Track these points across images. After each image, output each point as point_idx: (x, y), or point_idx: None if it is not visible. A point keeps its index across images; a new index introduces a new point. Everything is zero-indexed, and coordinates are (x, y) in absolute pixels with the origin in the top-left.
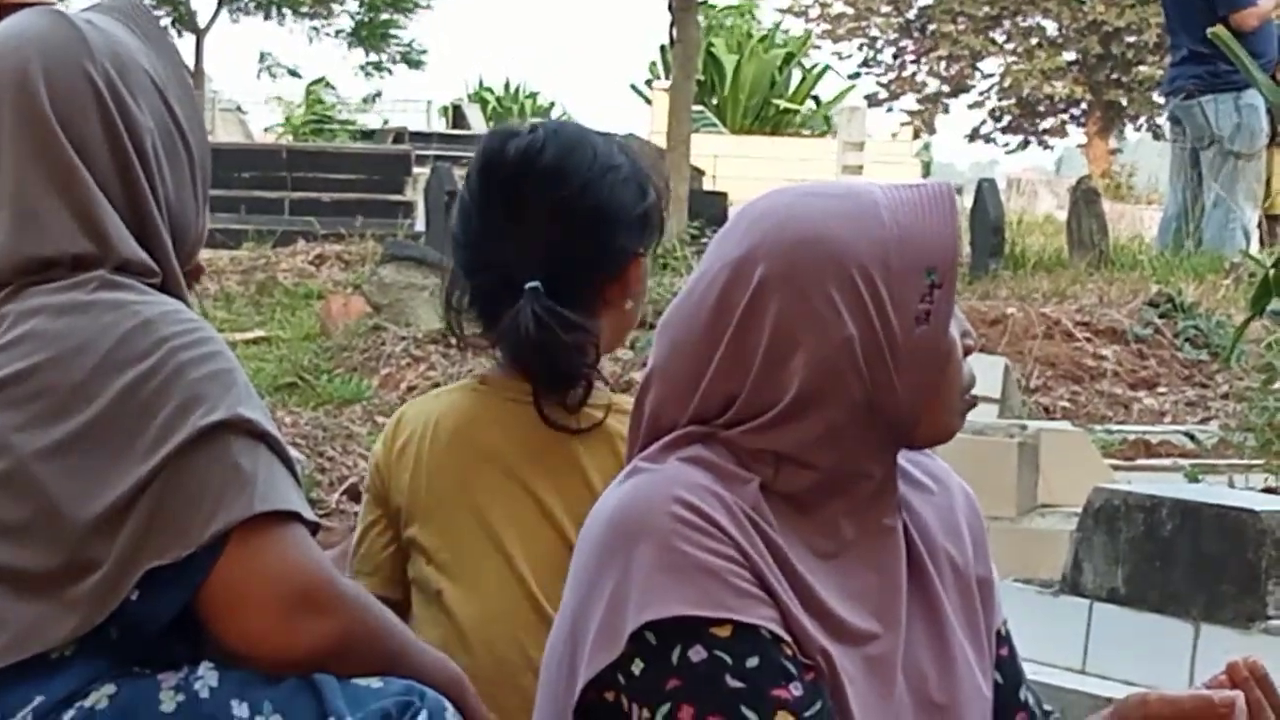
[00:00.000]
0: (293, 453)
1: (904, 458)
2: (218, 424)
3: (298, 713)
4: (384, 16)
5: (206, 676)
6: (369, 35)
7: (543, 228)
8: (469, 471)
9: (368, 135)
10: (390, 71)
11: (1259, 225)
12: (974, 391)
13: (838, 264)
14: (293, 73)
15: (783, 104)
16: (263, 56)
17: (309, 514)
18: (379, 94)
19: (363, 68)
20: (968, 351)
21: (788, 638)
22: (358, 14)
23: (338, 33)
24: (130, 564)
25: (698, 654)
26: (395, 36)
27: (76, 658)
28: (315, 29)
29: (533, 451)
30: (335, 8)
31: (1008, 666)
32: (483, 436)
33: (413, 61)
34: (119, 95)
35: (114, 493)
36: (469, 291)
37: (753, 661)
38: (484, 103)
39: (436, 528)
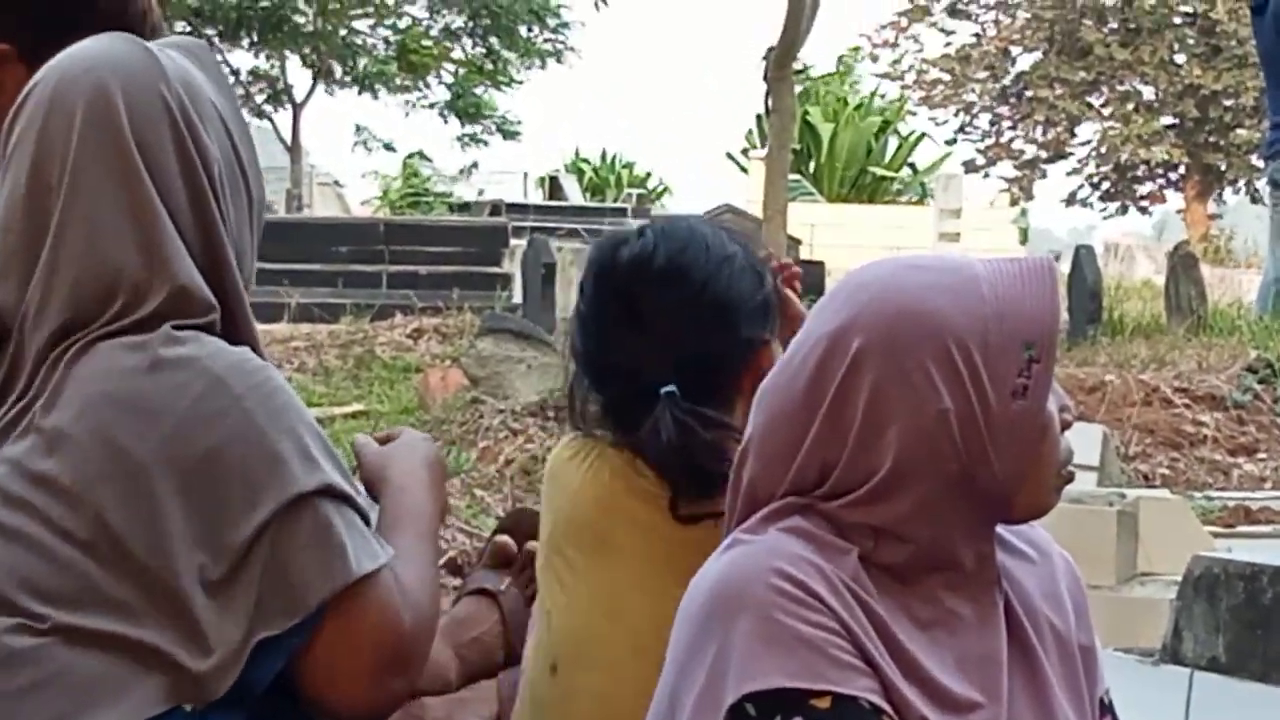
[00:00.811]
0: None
1: (1004, 528)
2: (303, 494)
3: None
4: (478, 91)
5: None
6: (464, 108)
7: (668, 331)
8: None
9: (464, 207)
10: (486, 143)
11: None
12: (1073, 460)
13: (935, 337)
14: (388, 146)
15: (879, 171)
16: (358, 130)
17: (387, 552)
18: (475, 165)
19: (459, 139)
20: (1065, 426)
21: (888, 708)
22: (452, 86)
23: (432, 105)
24: (246, 635)
25: None
26: (490, 109)
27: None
28: (410, 102)
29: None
30: (431, 81)
31: None
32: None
33: (508, 132)
34: (191, 122)
35: (215, 564)
36: (601, 403)
37: None
38: (580, 173)
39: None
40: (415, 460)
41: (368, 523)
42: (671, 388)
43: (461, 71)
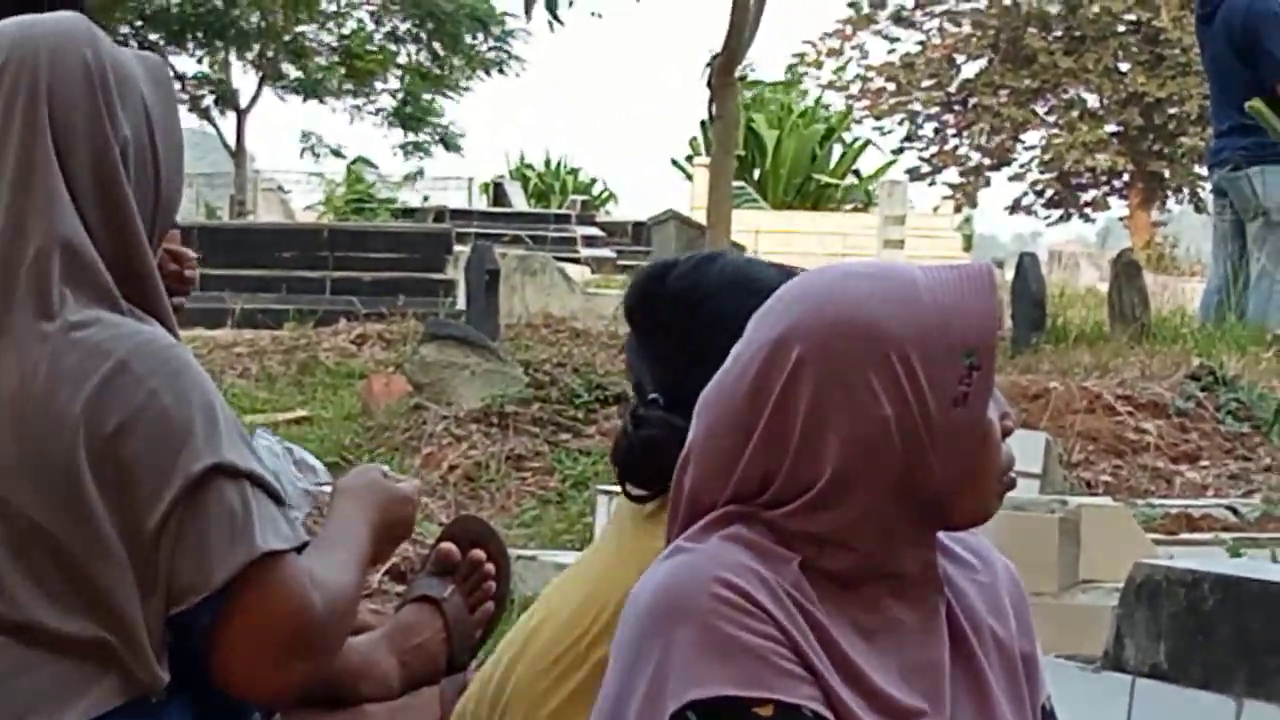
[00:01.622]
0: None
1: (947, 536)
2: (208, 470)
3: None
4: (425, 98)
5: None
6: (409, 116)
7: (666, 355)
8: None
9: (409, 213)
10: (429, 153)
11: None
12: (1016, 467)
13: (875, 346)
14: (336, 153)
15: (824, 179)
16: (305, 136)
17: (300, 539)
18: (420, 172)
19: (402, 147)
20: (1006, 433)
21: (830, 716)
22: (399, 93)
23: (378, 112)
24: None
25: None
26: (436, 117)
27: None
28: (356, 108)
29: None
30: (377, 86)
31: None
32: None
33: (451, 144)
34: (109, 98)
35: (136, 551)
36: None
37: None
38: (525, 179)
39: None
40: (359, 479)
41: (278, 499)
42: (655, 395)
43: (407, 78)
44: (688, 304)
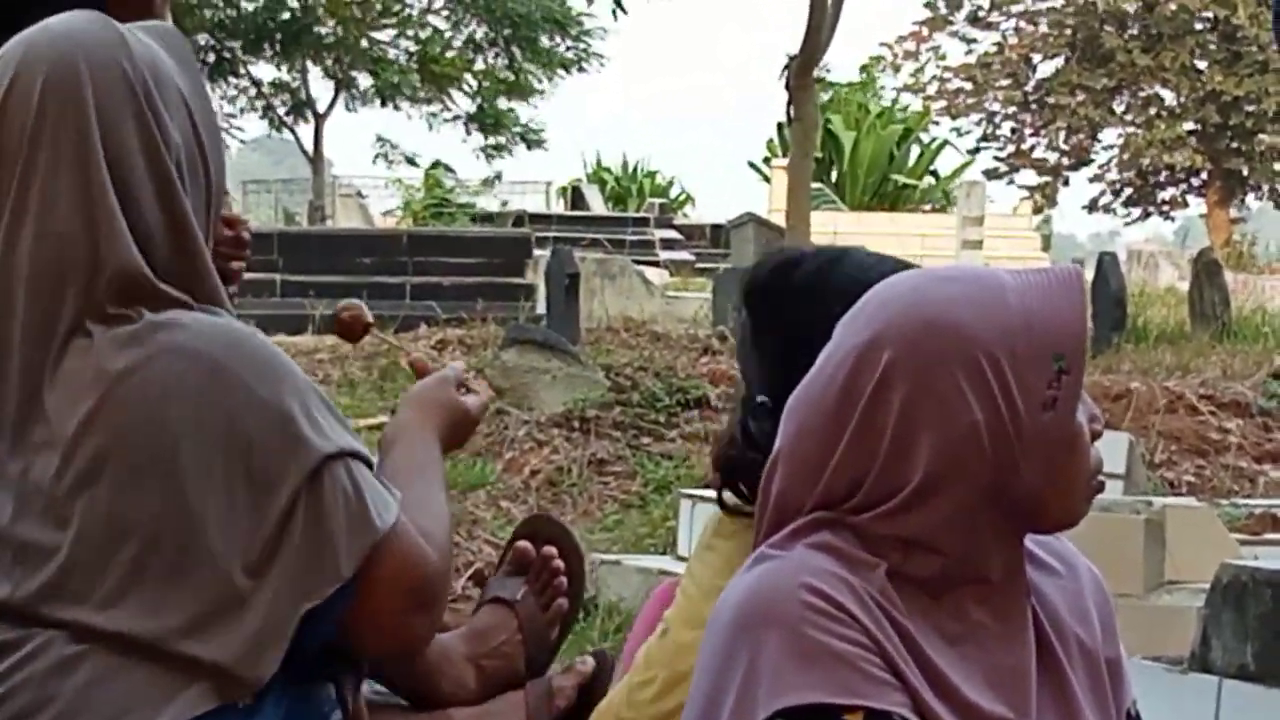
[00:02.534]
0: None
1: (1031, 540)
2: (320, 463)
3: None
4: (501, 103)
5: None
6: (487, 120)
7: (788, 346)
8: None
9: (487, 218)
10: (510, 153)
11: None
12: (1104, 480)
13: (964, 350)
14: (410, 160)
15: (901, 179)
16: (380, 141)
17: (395, 497)
18: (499, 176)
19: (483, 149)
20: (1095, 436)
21: None
22: (476, 98)
23: (455, 117)
24: (290, 612)
25: None
26: (513, 125)
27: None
28: (433, 114)
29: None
30: (454, 93)
31: None
32: None
33: (532, 141)
34: (155, 105)
35: (251, 546)
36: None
37: None
38: (602, 183)
39: None
40: (431, 394)
41: (372, 468)
42: (764, 399)
43: (484, 83)
44: (811, 303)
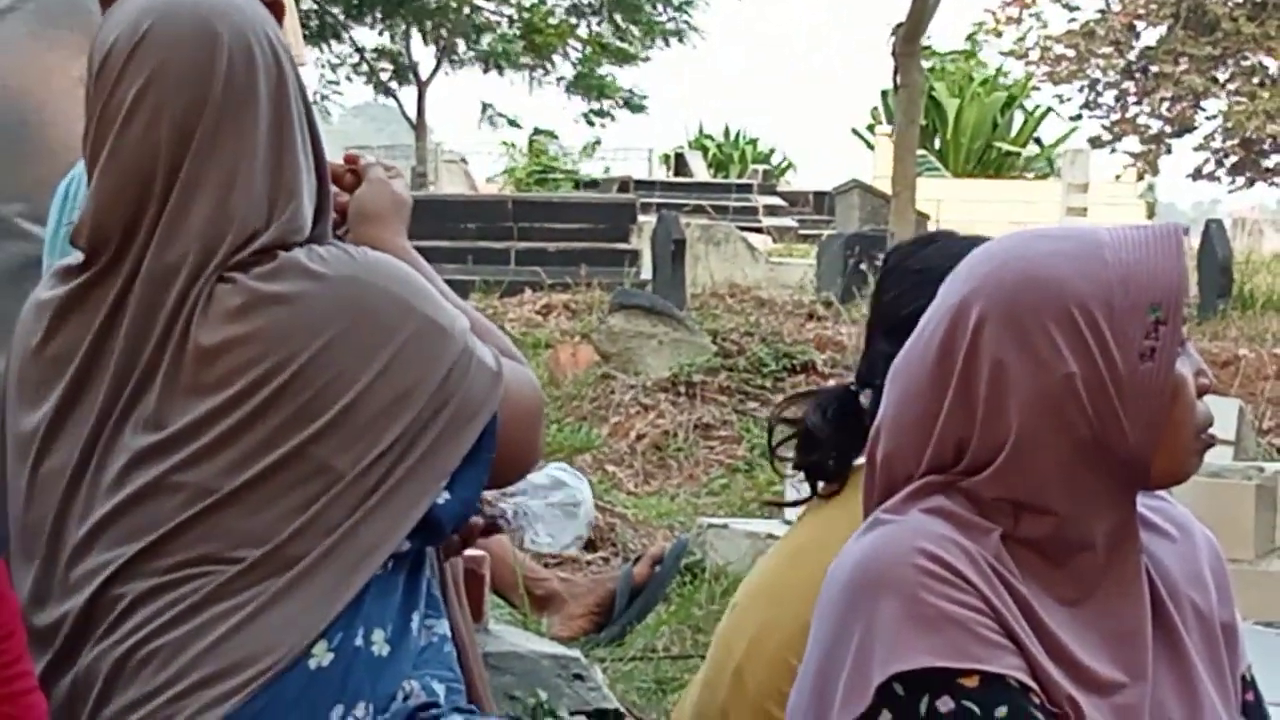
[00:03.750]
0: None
1: (1145, 505)
2: (464, 350)
3: None
4: (602, 69)
5: None
6: (588, 85)
7: (896, 328)
8: None
9: (590, 184)
10: (613, 118)
11: None
12: (1214, 435)
13: (1057, 302)
14: (513, 123)
15: (1005, 147)
16: (484, 107)
17: (474, 341)
18: (598, 142)
19: (585, 115)
20: (1203, 390)
21: (1035, 686)
22: (577, 64)
23: (559, 80)
24: (444, 472)
25: (945, 705)
26: (614, 90)
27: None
28: (535, 79)
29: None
30: (556, 59)
31: (1253, 712)
32: None
33: (635, 106)
34: (293, 66)
35: (416, 421)
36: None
37: (1001, 711)
38: (704, 149)
39: None
40: (372, 209)
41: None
42: (866, 391)
43: (586, 49)
44: (923, 283)
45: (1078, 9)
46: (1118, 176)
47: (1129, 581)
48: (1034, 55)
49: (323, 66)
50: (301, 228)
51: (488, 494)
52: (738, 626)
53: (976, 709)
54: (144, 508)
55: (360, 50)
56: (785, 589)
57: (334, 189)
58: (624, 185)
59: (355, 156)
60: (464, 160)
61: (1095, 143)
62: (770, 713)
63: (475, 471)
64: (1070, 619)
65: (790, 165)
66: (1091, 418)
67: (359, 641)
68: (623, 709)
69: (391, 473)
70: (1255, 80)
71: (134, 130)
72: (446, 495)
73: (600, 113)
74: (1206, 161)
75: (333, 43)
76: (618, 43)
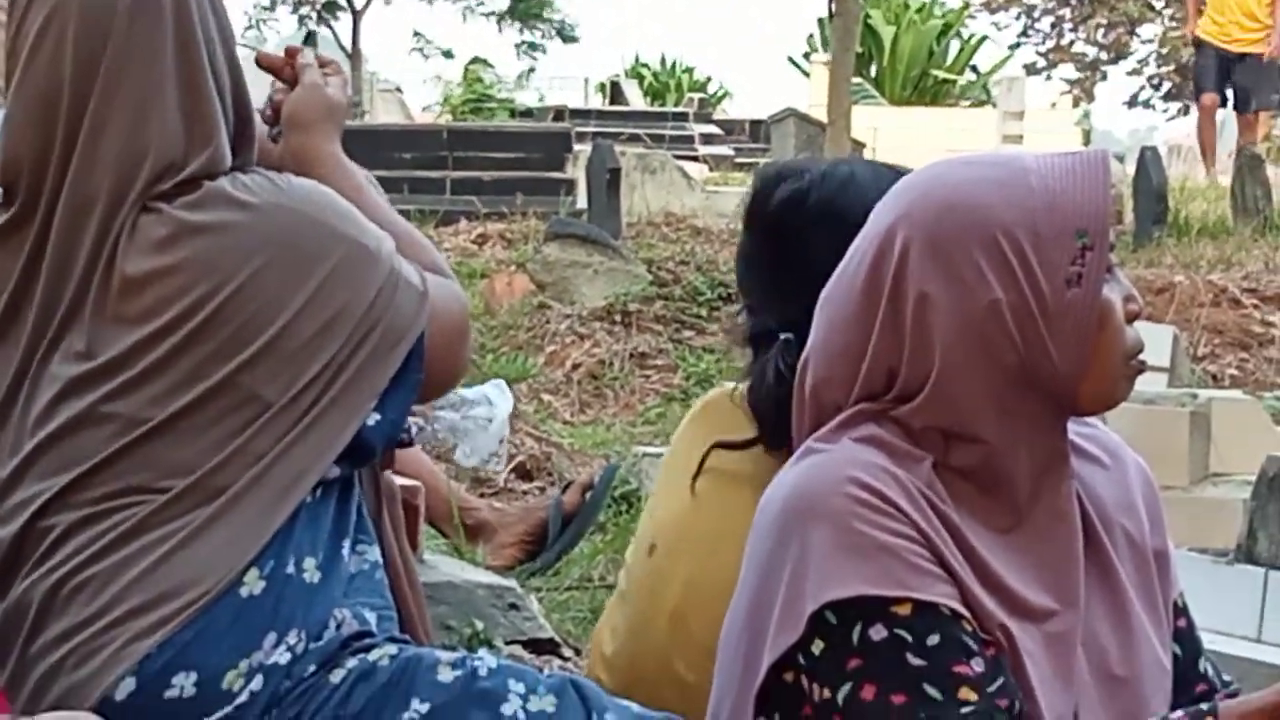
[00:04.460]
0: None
1: (1076, 433)
2: (390, 271)
3: (568, 708)
4: None
5: (486, 659)
6: (524, 13)
7: (812, 274)
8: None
9: (526, 113)
10: (544, 50)
11: None
12: (1145, 360)
13: (981, 228)
14: (447, 54)
15: (941, 74)
16: (416, 36)
17: (398, 258)
18: (533, 70)
19: (518, 46)
20: (1132, 316)
21: (967, 614)
22: None
23: (490, 14)
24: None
25: (878, 633)
26: (551, 12)
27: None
28: (469, 8)
29: None
30: None
31: (1186, 638)
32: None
33: (567, 37)
34: None
35: (346, 347)
36: (749, 327)
37: (934, 639)
38: (640, 78)
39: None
40: (304, 116)
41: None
42: (789, 336)
43: None
44: (831, 232)
45: None
46: (1054, 104)
47: (1060, 508)
48: None
49: None
50: (223, 157)
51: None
52: (663, 571)
53: (909, 636)
54: (74, 439)
55: None
56: (701, 530)
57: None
58: (559, 114)
59: (295, 49)
60: (399, 90)
61: (1031, 70)
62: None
63: (404, 392)
64: (1002, 546)
65: (727, 94)
66: (1018, 344)
67: (290, 569)
68: (558, 638)
69: (320, 399)
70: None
71: (39, 64)
72: (377, 417)
73: (533, 45)
74: (1142, 89)
75: None
76: None
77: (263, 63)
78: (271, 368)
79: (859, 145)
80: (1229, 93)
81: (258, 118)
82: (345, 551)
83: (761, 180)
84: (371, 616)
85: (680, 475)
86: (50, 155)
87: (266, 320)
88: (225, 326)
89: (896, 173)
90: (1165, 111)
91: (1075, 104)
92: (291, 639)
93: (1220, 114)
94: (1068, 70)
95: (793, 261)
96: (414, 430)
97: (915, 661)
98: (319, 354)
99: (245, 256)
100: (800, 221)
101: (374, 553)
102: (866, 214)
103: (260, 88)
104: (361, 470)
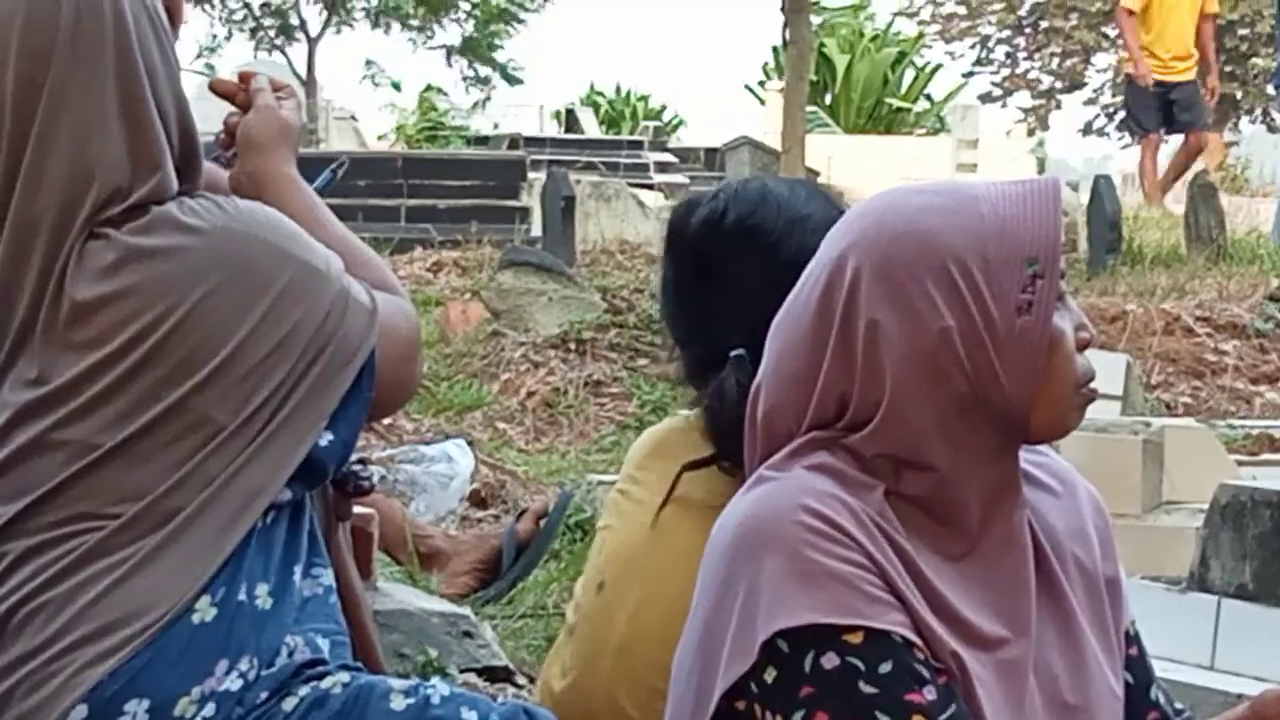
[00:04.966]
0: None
1: (1028, 461)
2: (340, 291)
3: None
4: (491, 28)
5: (439, 687)
6: (474, 47)
7: (739, 294)
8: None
9: (481, 141)
10: (494, 86)
11: None
12: (1096, 388)
13: (932, 256)
14: (395, 85)
15: (896, 103)
16: (368, 64)
17: (345, 277)
18: (488, 98)
19: (464, 78)
20: (1083, 345)
21: (919, 642)
22: (466, 27)
23: (441, 47)
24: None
25: (830, 661)
26: (499, 48)
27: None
28: (414, 40)
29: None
30: (444, 21)
31: (1137, 666)
32: None
33: (512, 79)
34: (152, 18)
35: (296, 368)
36: (683, 362)
37: (885, 667)
38: (596, 106)
39: None
40: (257, 139)
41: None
42: (740, 351)
43: (477, 7)
44: (754, 248)
45: None
46: (1008, 132)
47: (1012, 536)
48: (925, 13)
49: (212, 22)
50: (169, 184)
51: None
52: (610, 606)
53: (861, 665)
54: (26, 466)
55: (247, 6)
56: (655, 562)
57: (226, 118)
58: (514, 142)
59: (249, 74)
60: (354, 118)
61: (986, 99)
62: (662, 690)
63: (355, 410)
64: (954, 574)
65: (681, 122)
66: (969, 372)
67: (242, 596)
68: (512, 666)
69: (272, 420)
70: None
71: None
72: (329, 436)
73: (480, 79)
74: (1097, 117)
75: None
76: (505, 3)
77: (217, 88)
78: (223, 390)
79: (813, 173)
80: (1167, 121)
81: (212, 140)
82: (297, 577)
83: (676, 211)
84: (325, 643)
85: (635, 509)
86: None
87: (217, 343)
88: (176, 350)
89: (810, 186)
90: (1120, 140)
91: (1030, 132)
92: (244, 666)
93: (1175, 142)
94: (1023, 99)
95: (718, 284)
96: (375, 478)
97: (867, 690)
98: (271, 375)
99: (195, 280)
100: (721, 243)
101: (328, 577)
102: (785, 227)
103: (214, 114)
104: (313, 494)
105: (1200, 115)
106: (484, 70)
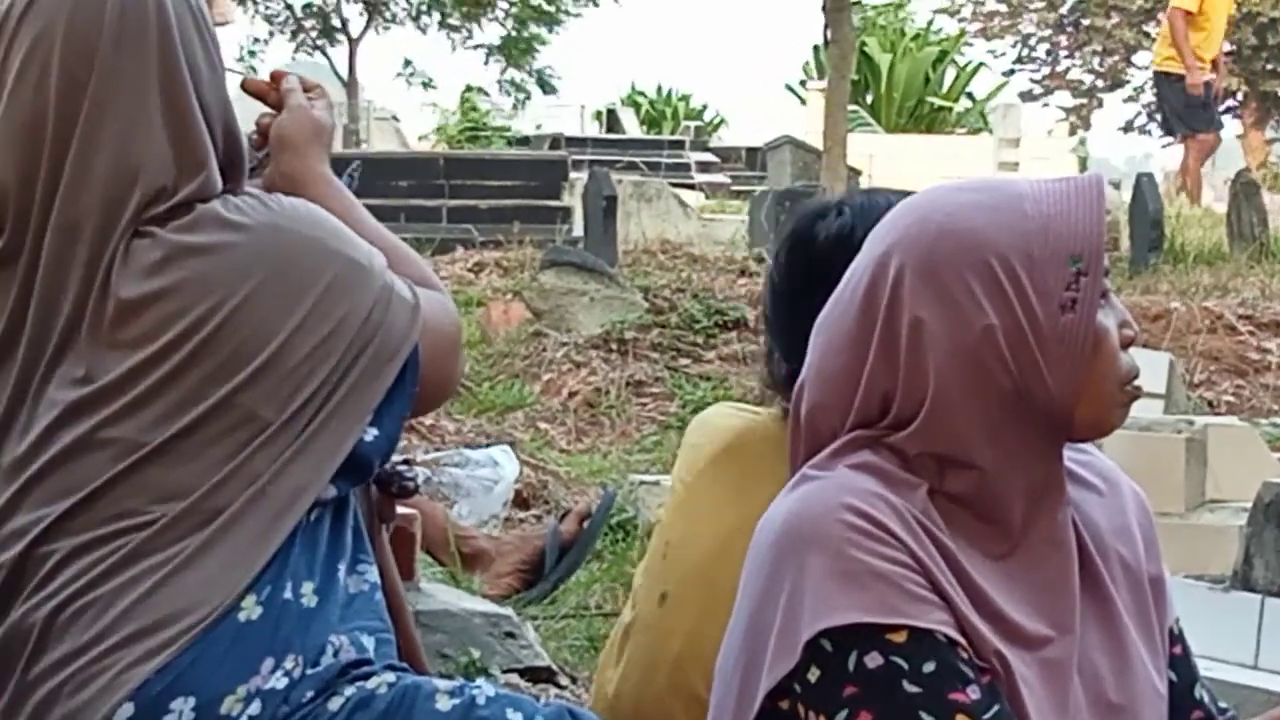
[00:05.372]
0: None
1: (1072, 459)
2: (383, 286)
3: None
4: (530, 31)
5: (484, 687)
6: (513, 49)
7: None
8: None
9: (522, 141)
10: (528, 94)
11: None
12: (1140, 386)
13: (975, 253)
14: (426, 84)
15: (937, 102)
16: (406, 64)
17: (389, 273)
18: (528, 97)
19: (499, 83)
20: (1127, 342)
21: (963, 641)
22: (505, 28)
23: (478, 47)
24: (369, 405)
25: (874, 660)
26: (538, 51)
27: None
28: (453, 40)
29: None
30: (483, 21)
31: (1181, 665)
32: None
33: (547, 87)
34: (196, 19)
35: (340, 363)
36: (787, 372)
37: (929, 666)
38: (637, 106)
39: None
40: (291, 139)
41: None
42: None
43: (515, 8)
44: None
45: None
46: (1050, 131)
47: (1056, 535)
48: (966, 11)
49: (253, 20)
50: (214, 184)
51: (401, 458)
52: (672, 619)
53: (904, 664)
54: (73, 465)
55: (290, 8)
56: (721, 578)
57: (259, 118)
58: (556, 142)
59: (281, 74)
60: (395, 118)
61: (1027, 97)
62: None
63: (399, 406)
64: (997, 573)
65: (723, 121)
66: (1012, 369)
67: (288, 594)
68: (555, 667)
69: (317, 415)
70: None
71: (25, 89)
72: (374, 432)
73: (515, 84)
74: (1138, 115)
75: (262, 1)
76: (546, 5)
77: (249, 88)
78: (269, 387)
79: (855, 172)
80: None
81: (245, 142)
82: (341, 574)
83: (799, 220)
84: (369, 641)
85: (702, 513)
86: (36, 181)
87: (263, 339)
88: (222, 347)
89: None
90: (1161, 138)
91: (1072, 131)
92: (289, 664)
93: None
94: (1064, 97)
95: (809, 291)
96: (420, 479)
97: (911, 689)
98: (316, 371)
99: (240, 277)
100: (850, 257)
101: (373, 573)
102: None
103: (247, 115)
104: (356, 494)
105: (1218, 114)
106: (519, 75)
